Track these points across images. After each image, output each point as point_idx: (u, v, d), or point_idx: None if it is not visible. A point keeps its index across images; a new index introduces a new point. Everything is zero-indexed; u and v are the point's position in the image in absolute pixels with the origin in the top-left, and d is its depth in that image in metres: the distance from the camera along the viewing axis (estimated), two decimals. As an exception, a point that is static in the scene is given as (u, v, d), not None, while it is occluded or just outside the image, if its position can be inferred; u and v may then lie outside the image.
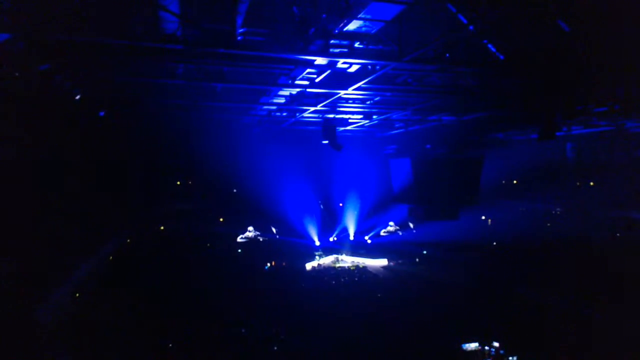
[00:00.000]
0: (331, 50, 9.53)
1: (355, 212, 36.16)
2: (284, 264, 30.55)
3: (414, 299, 23.63)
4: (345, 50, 9.62)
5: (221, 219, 34.42)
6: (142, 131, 22.63)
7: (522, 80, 13.61)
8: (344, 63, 10.59)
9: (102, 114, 16.97)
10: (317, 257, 32.25)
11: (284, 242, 33.94)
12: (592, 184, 31.72)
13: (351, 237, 36.28)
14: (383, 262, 32.20)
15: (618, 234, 28.77)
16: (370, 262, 32.20)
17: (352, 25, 8.33)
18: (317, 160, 28.98)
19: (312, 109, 16.23)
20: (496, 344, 17.77)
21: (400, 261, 32.35)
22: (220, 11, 9.45)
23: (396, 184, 23.13)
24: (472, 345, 17.96)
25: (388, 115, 18.50)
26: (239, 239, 33.70)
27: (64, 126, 15.83)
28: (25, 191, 14.88)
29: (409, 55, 9.64)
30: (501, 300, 22.67)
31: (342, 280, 27.91)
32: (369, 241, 36.25)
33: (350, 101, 16.76)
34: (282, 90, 14.13)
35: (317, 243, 34.66)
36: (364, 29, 8.50)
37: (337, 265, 31.73)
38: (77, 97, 13.74)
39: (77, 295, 20.14)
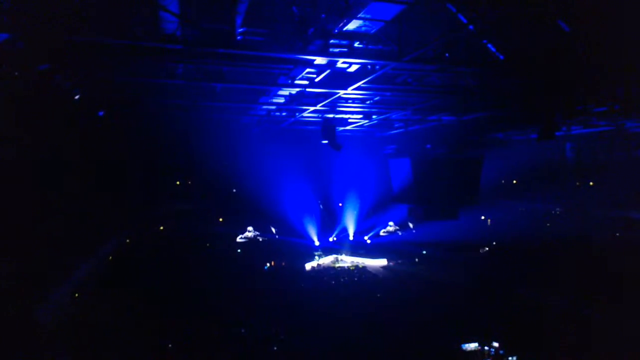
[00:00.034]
0: (331, 50, 9.53)
1: (355, 212, 36.16)
2: (283, 264, 30.53)
3: (414, 299, 23.61)
4: (345, 50, 9.61)
5: (221, 219, 34.40)
6: (141, 131, 22.62)
7: (521, 80, 13.61)
8: (344, 63, 10.58)
9: (101, 113, 16.96)
10: (316, 257, 32.23)
11: (284, 242, 33.93)
12: (591, 183, 31.73)
13: (351, 237, 36.27)
14: (383, 262, 32.19)
15: (618, 234, 28.76)
16: (369, 262, 32.19)
17: (352, 25, 8.33)
18: (317, 160, 28.99)
19: (312, 108, 16.22)
20: (496, 344, 17.76)
21: (399, 261, 32.34)
22: (219, 11, 9.44)
23: (396, 184, 23.12)
24: (472, 346, 17.95)
25: (388, 115, 18.50)
26: (238, 239, 33.69)
27: (63, 126, 15.81)
28: (25, 191, 14.87)
29: (409, 55, 9.64)
30: (501, 300, 22.67)
31: (342, 280, 27.89)
32: (368, 241, 36.24)
33: (350, 101, 16.75)
34: (281, 90, 14.13)
35: (317, 243, 34.64)
36: (363, 28, 8.50)
37: (337, 265, 31.72)
38: (77, 97, 13.73)
39: (77, 295, 20.14)
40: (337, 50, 9.59)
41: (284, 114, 18.17)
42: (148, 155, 26.34)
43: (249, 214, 33.36)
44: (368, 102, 16.77)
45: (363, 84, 12.15)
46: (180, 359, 17.12)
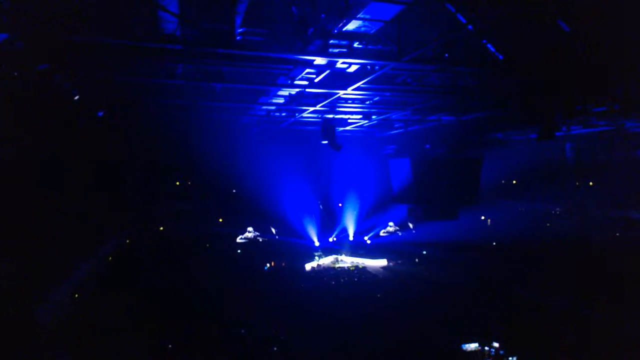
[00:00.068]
0: (330, 50, 9.51)
1: (355, 213, 36.17)
2: (283, 264, 30.54)
3: (414, 299, 23.62)
4: (345, 50, 9.60)
5: (220, 220, 34.41)
6: (141, 131, 22.60)
7: (521, 80, 13.59)
8: (343, 63, 10.57)
9: (101, 114, 16.95)
10: (316, 257, 32.24)
11: (284, 243, 33.94)
12: (591, 183, 31.73)
13: (351, 238, 36.28)
14: (382, 262, 32.20)
15: (617, 234, 28.76)
16: (369, 262, 32.19)
17: (351, 25, 8.32)
18: (317, 160, 28.98)
19: (312, 109, 16.21)
20: (496, 344, 17.77)
21: (399, 261, 32.36)
22: (219, 11, 9.43)
23: (395, 184, 23.10)
24: (472, 346, 17.96)
25: (387, 115, 18.49)
26: (238, 240, 33.71)
27: (63, 126, 15.81)
28: (25, 191, 14.87)
29: (408, 55, 9.63)
30: (501, 300, 22.68)
31: (342, 280, 27.90)
32: (368, 241, 36.24)
33: (350, 101, 16.74)
34: (281, 90, 14.11)
35: (317, 243, 34.64)
36: (363, 29, 8.49)
37: (337, 265, 31.72)
38: (76, 97, 13.72)
39: (77, 295, 20.15)
40: (336, 50, 9.58)
41: (283, 114, 18.15)
42: (148, 155, 26.34)
43: (249, 214, 33.38)
44: (368, 102, 16.77)
45: (363, 84, 12.14)
46: (180, 359, 17.12)
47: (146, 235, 30.82)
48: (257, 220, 33.83)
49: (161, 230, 32.37)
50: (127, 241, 29.07)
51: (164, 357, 17.20)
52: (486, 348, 17.76)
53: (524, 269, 26.72)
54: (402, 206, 25.29)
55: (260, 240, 34.06)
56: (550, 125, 15.45)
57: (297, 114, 17.91)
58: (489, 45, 11.20)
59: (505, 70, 12.02)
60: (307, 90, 13.47)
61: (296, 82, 12.77)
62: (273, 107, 17.10)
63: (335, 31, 8.64)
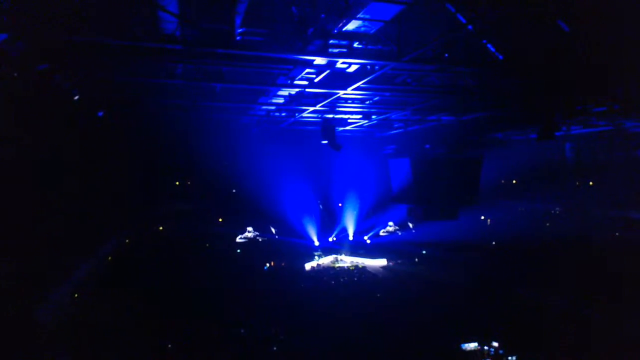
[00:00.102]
0: (330, 50, 9.52)
1: (355, 212, 36.16)
2: (283, 264, 30.52)
3: (413, 299, 23.61)
4: (344, 50, 9.61)
5: (220, 219, 34.40)
6: (141, 131, 22.62)
7: (521, 80, 13.61)
8: (343, 63, 10.58)
9: (101, 114, 16.96)
10: (316, 257, 32.22)
11: (283, 243, 33.93)
12: (591, 183, 31.73)
13: (350, 237, 36.27)
14: (382, 262, 32.18)
15: (617, 234, 28.76)
16: (369, 262, 32.18)
17: (351, 25, 8.32)
18: (316, 160, 28.98)
19: (311, 109, 16.22)
20: (495, 344, 17.76)
21: (399, 261, 32.33)
22: (219, 11, 9.43)
23: (395, 184, 23.12)
24: (472, 345, 17.95)
25: (387, 115, 18.50)
26: (238, 239, 33.69)
27: (63, 126, 15.81)
28: (25, 191, 14.87)
29: (408, 55, 9.64)
30: (500, 300, 22.66)
31: (342, 280, 27.89)
32: (368, 241, 36.24)
33: (350, 101, 16.75)
34: (281, 90, 14.13)
35: (317, 243, 34.64)
36: (362, 28, 8.49)
37: (337, 265, 31.71)
38: (76, 97, 13.72)
39: (77, 295, 20.14)
40: (336, 50, 9.59)
41: (283, 114, 18.17)
42: (148, 155, 26.33)
43: (249, 214, 33.37)
44: (367, 102, 16.78)
45: (362, 84, 12.15)
46: (180, 359, 17.12)
47: (146, 235, 30.81)
48: (256, 220, 33.81)
49: (161, 230, 32.36)
50: (127, 241, 29.06)
51: (164, 357, 17.18)
52: (486, 348, 17.76)
53: (524, 269, 26.71)
54: (401, 206, 25.31)
55: (260, 240, 34.06)
56: (550, 125, 15.46)
57: (297, 114, 17.92)
58: (489, 45, 11.21)
59: (505, 70, 12.03)
60: (307, 90, 13.48)
61: (296, 82, 12.78)
62: (273, 107, 17.11)
63: (335, 31, 8.65)
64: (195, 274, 25.64)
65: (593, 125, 18.51)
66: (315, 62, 10.55)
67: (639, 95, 13.61)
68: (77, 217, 19.21)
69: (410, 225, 35.69)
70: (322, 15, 8.60)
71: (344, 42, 9.32)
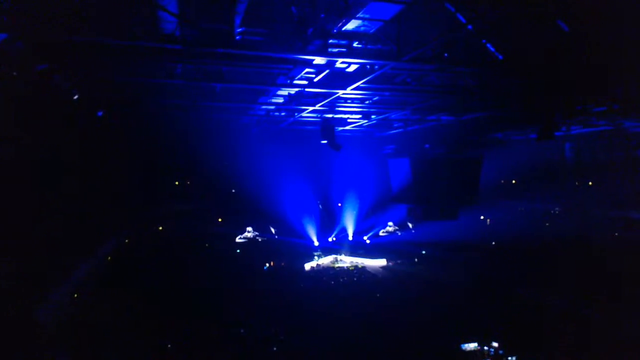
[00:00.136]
0: (330, 49, 9.51)
1: (354, 212, 36.17)
2: (282, 264, 30.53)
3: (413, 299, 23.62)
4: (344, 49, 9.60)
5: (220, 219, 34.42)
6: (140, 131, 22.60)
7: (521, 80, 13.59)
8: (343, 63, 10.56)
9: (100, 114, 16.94)
10: (316, 257, 32.23)
11: (283, 243, 33.94)
12: (590, 183, 31.74)
13: (350, 237, 36.28)
14: (382, 262, 32.19)
15: (617, 234, 28.77)
16: (369, 262, 32.19)
17: (351, 25, 8.31)
18: (316, 160, 28.98)
19: (311, 108, 16.21)
20: (495, 344, 17.77)
21: (399, 261, 32.34)
22: (218, 11, 9.42)
23: (395, 184, 23.09)
24: (472, 345, 17.96)
25: (387, 115, 18.49)
26: (237, 239, 33.69)
27: (62, 126, 15.81)
28: (24, 191, 14.87)
29: (408, 54, 9.63)
30: (500, 300, 22.67)
31: (341, 280, 27.90)
32: (367, 241, 36.24)
33: (349, 101, 16.74)
34: (280, 90, 14.11)
35: (316, 243, 34.64)
36: (362, 28, 8.49)
37: (336, 265, 31.72)
38: (76, 97, 13.71)
39: (76, 295, 20.14)
40: (336, 50, 9.57)
41: (283, 114, 18.15)
42: (147, 155, 26.33)
43: (249, 214, 33.39)
44: (367, 102, 16.76)
45: (362, 83, 12.13)
46: (180, 359, 17.12)
47: (146, 235, 30.82)
48: (256, 220, 33.83)
49: (161, 230, 32.36)
50: (127, 241, 29.06)
51: (164, 357, 17.19)
52: (485, 348, 17.77)
53: (524, 269, 26.72)
54: (401, 206, 25.29)
55: (260, 240, 34.06)
56: (550, 125, 15.45)
57: (296, 114, 17.90)
58: (488, 45, 11.19)
59: (505, 70, 12.02)
60: (307, 89, 13.47)
61: (295, 82, 12.77)
62: (272, 107, 17.10)
63: (335, 31, 8.64)
64: (195, 274, 25.65)
65: (593, 125, 18.49)
66: (314, 62, 10.53)
67: (638, 95, 13.61)
68: (77, 217, 19.22)
69: (410, 225, 35.68)
70: (322, 15, 8.60)
71: (343, 42, 9.31)
